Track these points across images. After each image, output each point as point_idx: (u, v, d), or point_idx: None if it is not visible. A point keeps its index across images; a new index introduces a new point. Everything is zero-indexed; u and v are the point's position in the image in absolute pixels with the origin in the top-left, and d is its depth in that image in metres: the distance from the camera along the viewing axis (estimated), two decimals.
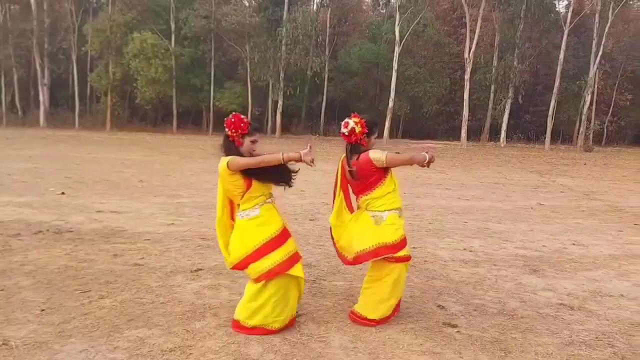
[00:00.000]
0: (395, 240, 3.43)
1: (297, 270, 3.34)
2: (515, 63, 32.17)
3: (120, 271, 4.48)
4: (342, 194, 3.66)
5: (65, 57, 37.58)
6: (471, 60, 30.20)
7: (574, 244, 6.31)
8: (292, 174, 3.42)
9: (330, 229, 3.74)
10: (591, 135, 33.57)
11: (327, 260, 5.04)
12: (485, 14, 31.68)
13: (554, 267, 5.19)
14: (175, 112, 35.08)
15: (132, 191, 9.34)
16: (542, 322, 3.67)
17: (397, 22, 31.14)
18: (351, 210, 3.69)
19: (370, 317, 3.47)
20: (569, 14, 30.89)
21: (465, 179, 13.71)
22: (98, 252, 5.07)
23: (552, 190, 11.83)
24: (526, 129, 36.24)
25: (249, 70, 33.82)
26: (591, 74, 30.95)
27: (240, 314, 3.32)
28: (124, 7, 33.67)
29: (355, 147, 3.52)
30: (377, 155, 3.42)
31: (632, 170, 18.41)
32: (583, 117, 32.00)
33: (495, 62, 33.45)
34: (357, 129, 3.44)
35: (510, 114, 32.99)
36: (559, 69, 30.70)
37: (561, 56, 30.68)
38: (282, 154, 3.18)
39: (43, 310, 3.53)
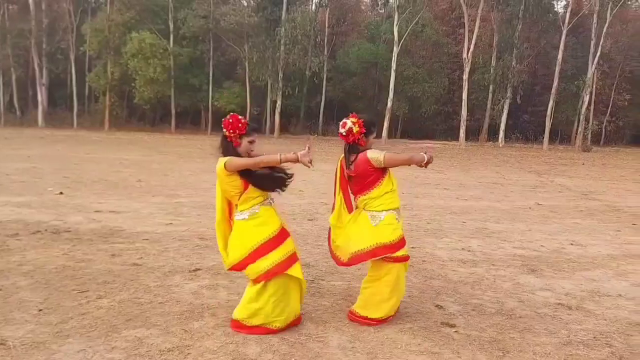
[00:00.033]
0: (393, 240, 3.43)
1: (296, 270, 3.32)
2: (513, 63, 32.25)
3: (119, 271, 4.47)
4: (341, 194, 3.66)
5: (64, 57, 37.53)
6: (469, 61, 30.21)
7: (572, 244, 6.32)
8: (288, 179, 3.37)
9: (330, 229, 3.74)
10: (589, 136, 33.61)
11: (326, 260, 5.03)
12: (484, 14, 31.71)
13: (552, 267, 5.20)
14: (173, 112, 35.05)
15: (131, 191, 9.33)
16: (540, 321, 3.68)
17: (395, 22, 31.14)
18: (350, 209, 3.69)
19: (371, 316, 3.46)
20: (567, 14, 30.96)
21: (464, 179, 13.71)
22: (96, 252, 5.07)
23: (551, 190, 11.85)
24: (524, 129, 36.26)
25: (247, 70, 33.82)
26: (589, 74, 31.00)
27: (240, 314, 3.31)
28: (123, 7, 33.67)
29: (353, 147, 3.51)
30: (375, 155, 3.42)
31: (630, 170, 18.43)
32: (581, 117, 32.03)
33: (493, 62, 33.49)
34: (355, 129, 3.44)
35: (508, 114, 33.04)
36: (557, 69, 30.74)
37: (559, 56, 30.73)
38: (280, 155, 3.16)
39: (41, 310, 3.53)
